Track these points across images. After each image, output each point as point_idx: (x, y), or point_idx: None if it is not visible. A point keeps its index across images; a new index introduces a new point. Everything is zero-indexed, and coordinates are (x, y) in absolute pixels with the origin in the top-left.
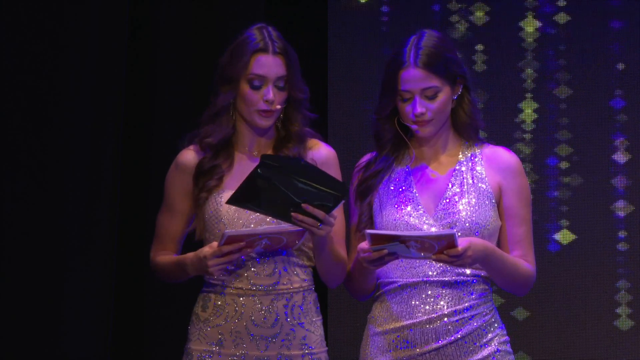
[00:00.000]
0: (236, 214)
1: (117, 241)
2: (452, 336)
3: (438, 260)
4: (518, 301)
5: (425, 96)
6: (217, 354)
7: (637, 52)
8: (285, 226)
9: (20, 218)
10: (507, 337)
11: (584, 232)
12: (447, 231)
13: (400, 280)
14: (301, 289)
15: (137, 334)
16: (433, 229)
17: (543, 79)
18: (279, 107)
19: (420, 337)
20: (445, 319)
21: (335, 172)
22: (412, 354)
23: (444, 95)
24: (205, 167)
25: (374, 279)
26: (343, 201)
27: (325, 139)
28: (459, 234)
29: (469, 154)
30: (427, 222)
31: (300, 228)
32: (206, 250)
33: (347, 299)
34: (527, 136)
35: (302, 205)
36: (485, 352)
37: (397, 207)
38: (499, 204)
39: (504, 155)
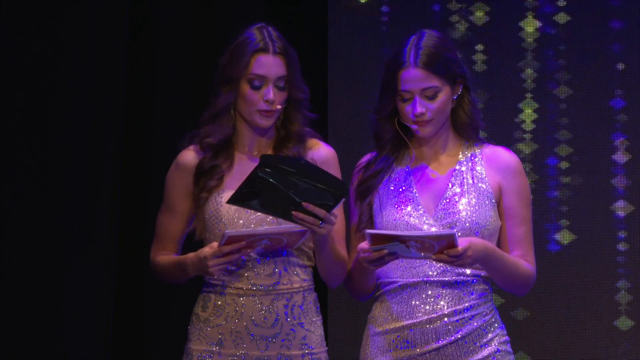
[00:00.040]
0: (236, 214)
1: (117, 241)
2: (452, 336)
3: (438, 260)
4: (518, 301)
5: (425, 96)
6: (217, 354)
7: (637, 52)
8: (285, 226)
9: (20, 218)
10: (507, 337)
11: (584, 232)
12: (447, 231)
13: (401, 280)
14: (301, 289)
15: (137, 334)
16: (433, 229)
17: (543, 79)
18: (279, 107)
19: (420, 337)
20: (446, 319)
21: (335, 172)
22: (412, 354)
23: (444, 95)
24: (205, 167)
25: (374, 279)
26: (343, 200)
27: (325, 139)
28: (459, 234)
29: (469, 154)
30: (427, 222)
31: (301, 229)
32: (206, 250)
33: (347, 299)
34: (527, 136)
35: (303, 204)
36: (485, 352)
37: (397, 207)
38: (499, 204)
39: (504, 155)
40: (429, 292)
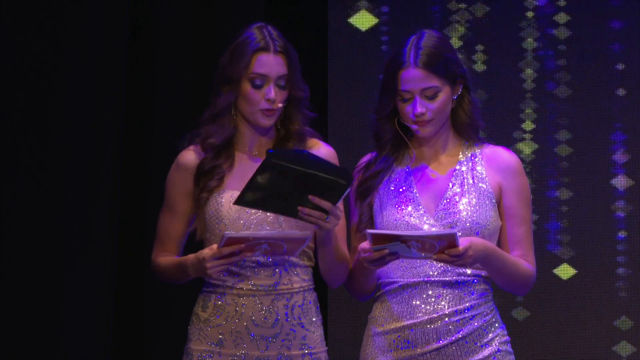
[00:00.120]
0: (237, 214)
1: (117, 241)
2: (453, 336)
3: (439, 260)
4: (518, 301)
5: (425, 96)
6: (218, 354)
7: (637, 52)
8: (286, 232)
9: (20, 218)
10: (507, 337)
11: (584, 232)
12: (448, 231)
13: (401, 280)
14: (301, 289)
15: (137, 334)
16: (434, 229)
17: (543, 79)
18: (280, 105)
19: (421, 337)
20: (446, 319)
21: None
22: (412, 354)
23: (444, 95)
24: (206, 168)
25: (375, 279)
26: (349, 190)
27: (325, 139)
28: (460, 233)
29: (469, 154)
30: (427, 222)
31: (302, 236)
32: (206, 252)
33: (347, 299)
34: (527, 136)
35: (309, 197)
36: (486, 352)
37: (397, 207)
38: (499, 204)
39: (504, 155)
40: (430, 292)
